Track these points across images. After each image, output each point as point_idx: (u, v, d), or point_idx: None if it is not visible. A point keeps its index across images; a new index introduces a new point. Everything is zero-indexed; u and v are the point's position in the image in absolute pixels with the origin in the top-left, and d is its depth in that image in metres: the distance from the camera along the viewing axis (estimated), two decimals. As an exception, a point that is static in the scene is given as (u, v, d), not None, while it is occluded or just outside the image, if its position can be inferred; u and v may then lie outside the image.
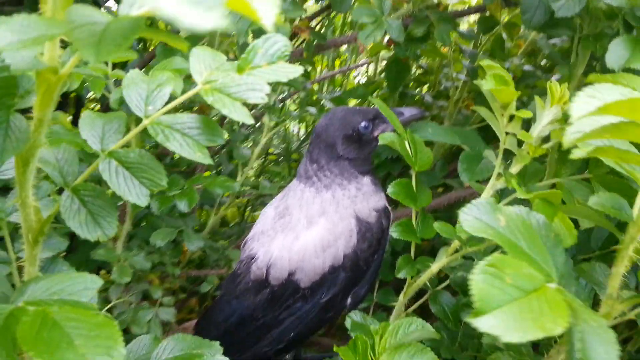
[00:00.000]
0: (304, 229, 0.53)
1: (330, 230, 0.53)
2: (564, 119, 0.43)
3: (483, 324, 0.24)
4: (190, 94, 0.30)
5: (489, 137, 0.65)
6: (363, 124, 0.56)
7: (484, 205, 0.32)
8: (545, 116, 0.43)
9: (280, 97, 0.83)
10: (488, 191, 0.45)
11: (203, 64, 0.32)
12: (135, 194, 0.29)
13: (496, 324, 0.24)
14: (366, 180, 0.56)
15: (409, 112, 0.59)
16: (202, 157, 0.30)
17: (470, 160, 0.56)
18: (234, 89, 0.30)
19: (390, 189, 0.49)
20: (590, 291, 0.39)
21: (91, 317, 0.21)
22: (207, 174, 0.85)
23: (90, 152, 0.32)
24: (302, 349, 0.62)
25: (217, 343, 0.37)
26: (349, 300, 0.55)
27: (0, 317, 0.21)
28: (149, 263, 0.70)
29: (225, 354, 0.54)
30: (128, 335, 0.71)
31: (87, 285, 0.24)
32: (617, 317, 0.36)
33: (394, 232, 0.49)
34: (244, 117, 0.30)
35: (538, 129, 0.43)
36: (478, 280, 0.26)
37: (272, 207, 0.58)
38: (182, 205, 0.68)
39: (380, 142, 0.50)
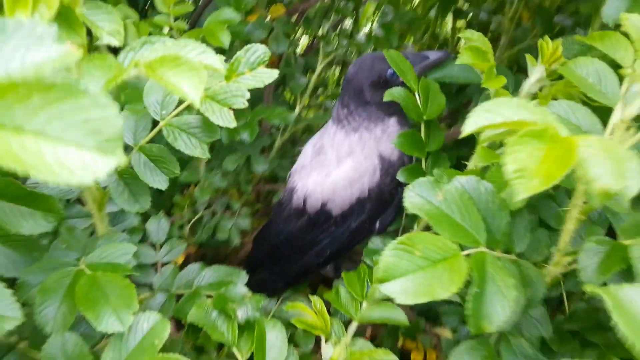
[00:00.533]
0: (334, 167, 0.63)
1: (356, 169, 0.62)
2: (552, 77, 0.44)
3: (384, 288, 0.33)
4: (188, 102, 0.40)
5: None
6: (390, 71, 0.60)
7: (425, 182, 0.38)
8: (534, 74, 0.45)
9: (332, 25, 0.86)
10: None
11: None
12: (157, 180, 0.40)
13: (395, 289, 0.33)
14: (392, 121, 0.62)
15: (434, 55, 0.62)
16: (202, 152, 0.40)
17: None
18: (221, 96, 0.39)
19: (395, 140, 0.56)
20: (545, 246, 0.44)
21: (121, 280, 0.34)
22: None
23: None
24: (342, 261, 0.74)
25: (244, 272, 0.50)
26: (377, 225, 0.65)
27: (69, 277, 0.35)
28: (224, 182, 0.86)
29: (278, 264, 0.69)
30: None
31: (125, 251, 0.37)
32: (567, 266, 0.41)
33: (400, 177, 0.56)
34: (228, 122, 0.39)
35: (526, 87, 0.45)
36: (387, 254, 0.34)
37: (311, 144, 0.67)
38: (245, 136, 0.80)
39: (386, 99, 0.55)
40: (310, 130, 0.96)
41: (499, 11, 0.90)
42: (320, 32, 0.87)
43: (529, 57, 0.46)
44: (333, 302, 0.49)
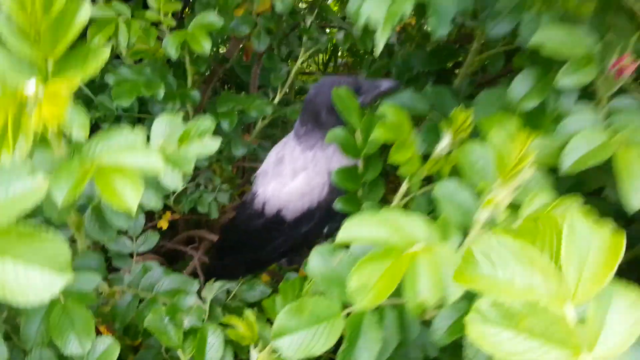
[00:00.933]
0: (290, 180, 0.72)
1: (308, 183, 0.71)
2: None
3: (276, 343, 0.44)
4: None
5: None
6: (343, 99, 0.67)
7: (324, 251, 0.47)
8: (444, 139, 0.52)
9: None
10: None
11: (162, 129, 0.49)
12: (171, 180, 0.49)
13: (284, 344, 0.44)
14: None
15: (386, 84, 0.68)
16: (156, 203, 0.50)
17: (433, 131, 0.66)
18: (174, 157, 0.48)
19: (333, 176, 0.64)
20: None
21: (85, 311, 0.46)
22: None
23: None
24: (294, 255, 0.86)
25: (197, 281, 0.62)
26: (326, 230, 0.75)
27: (46, 304, 0.46)
28: (207, 162, 0.96)
29: (240, 254, 0.80)
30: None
31: (92, 280, 0.49)
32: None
33: (336, 207, 0.65)
34: (176, 182, 0.48)
35: (438, 150, 0.53)
36: (281, 315, 0.44)
37: (275, 152, 0.76)
38: (225, 124, 0.89)
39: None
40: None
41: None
42: (303, 25, 0.92)
43: (443, 124, 0.54)
44: (268, 311, 0.61)
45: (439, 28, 0.45)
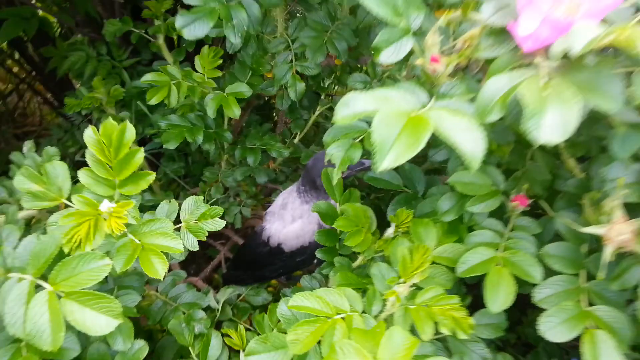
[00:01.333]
0: (289, 223, 0.95)
1: (302, 228, 0.93)
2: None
3: (247, 359, 0.67)
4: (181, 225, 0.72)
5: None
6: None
7: (285, 304, 0.70)
8: (390, 228, 0.73)
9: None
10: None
11: (189, 206, 0.72)
12: (190, 242, 0.73)
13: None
14: (333, 202, 0.91)
15: (368, 162, 0.88)
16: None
17: (402, 204, 0.85)
18: (194, 228, 0.70)
19: (315, 235, 0.86)
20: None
21: (128, 321, 0.71)
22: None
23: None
24: (290, 275, 1.09)
25: (210, 294, 0.86)
26: (315, 260, 0.98)
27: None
28: (235, 184, 1.20)
29: (248, 270, 1.04)
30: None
31: (134, 299, 0.74)
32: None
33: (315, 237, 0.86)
34: (193, 244, 0.71)
35: (385, 235, 0.74)
36: (252, 343, 0.67)
37: (282, 197, 0.98)
38: (250, 160, 1.11)
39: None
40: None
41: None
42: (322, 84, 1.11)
43: (390, 217, 0.74)
44: (258, 326, 0.85)
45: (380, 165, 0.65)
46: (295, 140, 1.17)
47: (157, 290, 0.89)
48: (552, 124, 0.41)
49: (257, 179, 1.17)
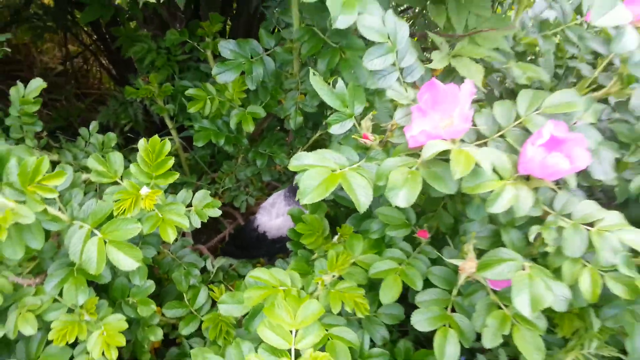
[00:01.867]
0: (274, 218, 1.27)
1: (283, 223, 1.26)
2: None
3: (220, 306, 1.00)
4: (191, 209, 1.06)
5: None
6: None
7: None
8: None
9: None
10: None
11: (201, 196, 1.06)
12: (195, 221, 1.08)
13: (223, 308, 1.00)
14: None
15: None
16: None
17: (356, 219, 1.16)
18: (200, 212, 1.04)
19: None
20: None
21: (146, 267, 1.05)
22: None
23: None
24: (273, 255, 1.42)
25: (207, 259, 1.20)
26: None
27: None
28: (245, 177, 1.53)
29: (240, 248, 1.38)
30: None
31: (150, 253, 1.07)
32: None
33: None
34: (197, 223, 1.04)
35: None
36: (223, 296, 1.00)
37: (273, 197, 1.31)
38: (259, 162, 1.44)
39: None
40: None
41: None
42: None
43: (337, 228, 1.06)
44: (236, 289, 1.18)
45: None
46: (299, 152, 1.49)
47: (169, 250, 1.23)
48: (403, 196, 0.72)
49: (263, 177, 1.50)
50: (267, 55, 1.15)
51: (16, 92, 1.19)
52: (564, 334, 0.92)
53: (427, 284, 0.95)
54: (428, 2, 1.02)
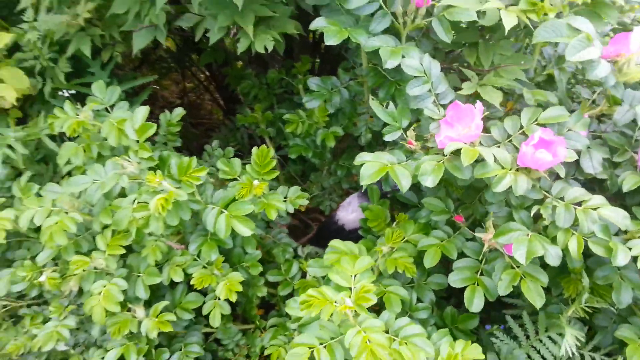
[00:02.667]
0: (349, 214, 1.66)
1: (357, 216, 1.64)
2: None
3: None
4: (287, 199, 1.47)
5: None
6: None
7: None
8: (384, 247, 1.41)
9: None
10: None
11: (293, 191, 1.47)
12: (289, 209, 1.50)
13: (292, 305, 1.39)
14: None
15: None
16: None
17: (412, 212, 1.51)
18: (292, 202, 1.45)
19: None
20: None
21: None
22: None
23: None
24: None
25: (300, 248, 1.60)
26: (362, 239, 1.68)
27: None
28: (329, 185, 1.94)
29: (328, 241, 1.77)
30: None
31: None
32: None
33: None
34: (290, 210, 1.44)
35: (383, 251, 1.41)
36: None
37: (350, 198, 1.70)
38: (339, 173, 1.84)
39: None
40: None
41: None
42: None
43: (395, 216, 1.42)
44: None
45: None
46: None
47: (271, 236, 1.66)
48: (430, 180, 1.08)
49: (342, 185, 1.89)
50: (344, 87, 1.56)
51: (164, 117, 1.68)
52: (569, 294, 1.21)
53: (463, 256, 1.28)
54: (465, 46, 1.39)
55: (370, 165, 1.13)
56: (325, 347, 1.09)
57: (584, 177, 1.19)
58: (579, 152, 1.17)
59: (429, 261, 1.26)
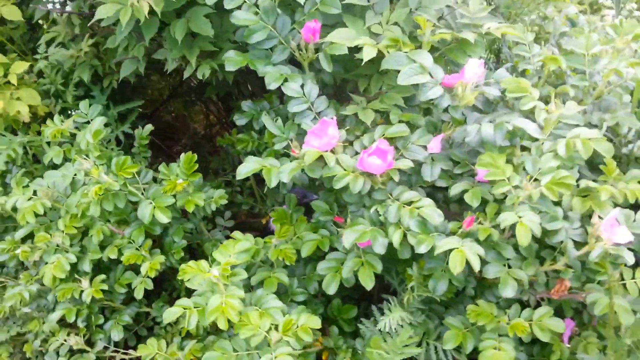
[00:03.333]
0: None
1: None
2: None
3: None
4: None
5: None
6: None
7: None
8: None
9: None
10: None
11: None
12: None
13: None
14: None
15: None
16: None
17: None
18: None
19: None
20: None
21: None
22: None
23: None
24: None
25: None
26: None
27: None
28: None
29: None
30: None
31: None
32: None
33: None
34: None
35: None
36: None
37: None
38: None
39: None
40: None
41: None
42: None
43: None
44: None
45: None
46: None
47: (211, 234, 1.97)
48: (285, 176, 1.37)
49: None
50: (273, 110, 1.88)
51: (138, 132, 2.07)
52: (408, 282, 1.42)
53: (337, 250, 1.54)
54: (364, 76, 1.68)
55: (245, 165, 1.44)
56: (197, 309, 1.38)
57: (426, 184, 1.43)
58: (421, 163, 1.41)
59: (305, 251, 1.53)
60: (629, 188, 1.35)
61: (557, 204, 1.34)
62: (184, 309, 1.37)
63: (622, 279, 1.27)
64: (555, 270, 1.30)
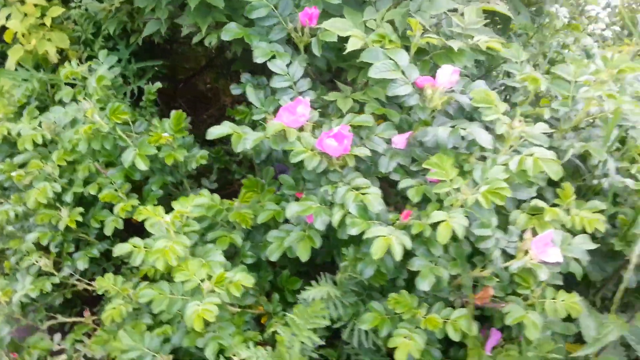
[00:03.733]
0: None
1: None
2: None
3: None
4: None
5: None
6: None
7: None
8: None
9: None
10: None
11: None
12: None
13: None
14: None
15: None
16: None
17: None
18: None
19: None
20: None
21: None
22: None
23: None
24: None
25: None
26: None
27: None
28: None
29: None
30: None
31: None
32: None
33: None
34: None
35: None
36: None
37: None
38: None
39: None
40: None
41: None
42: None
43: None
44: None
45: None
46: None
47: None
48: (249, 143, 1.47)
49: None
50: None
51: (147, 88, 2.22)
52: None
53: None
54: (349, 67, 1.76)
55: (218, 128, 1.55)
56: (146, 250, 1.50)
57: (381, 176, 1.50)
58: (380, 154, 1.49)
59: (261, 218, 1.62)
60: (581, 215, 1.39)
61: (504, 215, 1.40)
62: (134, 246, 1.49)
63: (544, 297, 1.31)
64: (484, 277, 1.35)
